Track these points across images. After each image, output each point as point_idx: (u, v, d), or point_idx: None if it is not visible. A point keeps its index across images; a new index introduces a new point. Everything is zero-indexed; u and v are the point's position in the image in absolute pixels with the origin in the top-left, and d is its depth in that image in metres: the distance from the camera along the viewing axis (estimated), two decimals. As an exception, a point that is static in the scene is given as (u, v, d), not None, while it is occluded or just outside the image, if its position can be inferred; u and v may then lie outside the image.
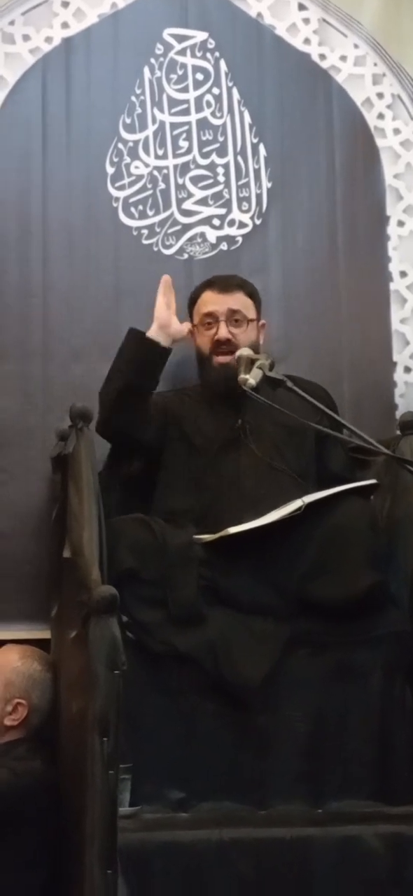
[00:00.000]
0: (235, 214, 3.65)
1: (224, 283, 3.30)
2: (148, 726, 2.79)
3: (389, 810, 2.81)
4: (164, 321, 3.23)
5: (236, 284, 3.30)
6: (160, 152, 3.62)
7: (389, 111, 3.78)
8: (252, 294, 3.31)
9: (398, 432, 3.31)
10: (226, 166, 3.66)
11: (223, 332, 3.21)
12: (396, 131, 3.77)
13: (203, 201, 3.64)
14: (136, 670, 2.72)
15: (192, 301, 3.33)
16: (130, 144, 3.61)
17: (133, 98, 3.63)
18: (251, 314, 3.27)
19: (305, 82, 3.75)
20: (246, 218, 3.65)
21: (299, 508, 2.89)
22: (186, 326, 3.29)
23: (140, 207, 3.59)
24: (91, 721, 2.53)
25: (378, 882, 2.67)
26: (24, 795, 2.79)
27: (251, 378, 3.05)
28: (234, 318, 3.24)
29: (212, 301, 3.27)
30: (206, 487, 3.08)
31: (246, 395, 2.91)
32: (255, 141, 3.68)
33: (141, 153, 3.61)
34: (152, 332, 3.21)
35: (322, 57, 3.75)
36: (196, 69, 3.68)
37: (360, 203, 3.74)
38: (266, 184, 3.68)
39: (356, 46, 3.77)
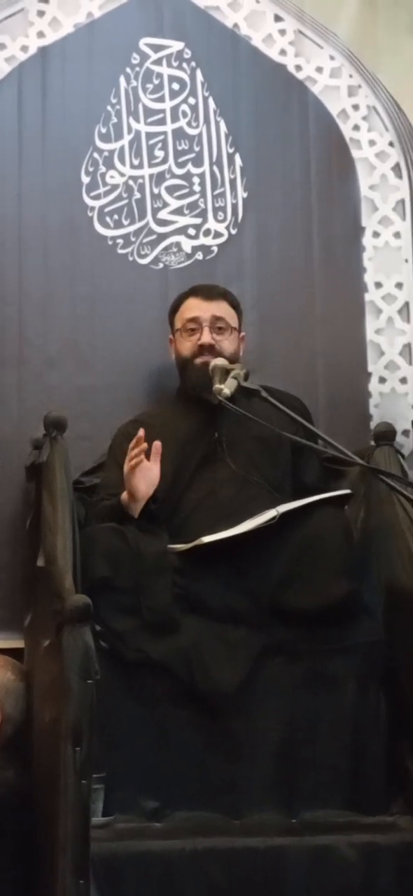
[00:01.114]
0: (211, 224, 3.65)
1: (208, 291, 3.31)
2: (121, 735, 2.78)
3: (363, 820, 2.81)
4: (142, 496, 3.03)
5: (220, 293, 3.32)
6: (136, 162, 3.63)
7: (365, 122, 3.80)
8: (235, 305, 3.33)
9: (372, 443, 3.31)
10: (201, 176, 3.67)
11: (207, 336, 3.22)
12: (372, 143, 3.79)
13: (179, 211, 3.64)
14: (109, 679, 2.71)
15: (175, 308, 3.33)
16: (106, 154, 3.61)
17: (109, 107, 3.63)
18: (234, 323, 3.28)
19: (281, 93, 3.76)
20: (221, 227, 3.66)
21: (273, 518, 2.89)
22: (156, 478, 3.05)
23: (115, 217, 3.59)
24: (64, 730, 2.52)
25: (351, 892, 2.68)
26: (-3, 805, 2.79)
27: (226, 388, 3.06)
28: (217, 325, 3.25)
29: (196, 307, 3.27)
30: (182, 503, 3.08)
31: (222, 408, 2.92)
32: (230, 151, 3.69)
33: (116, 163, 3.61)
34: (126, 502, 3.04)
35: (298, 68, 3.77)
36: (172, 79, 3.68)
37: (336, 214, 3.76)
38: (242, 194, 3.69)
39: (332, 58, 3.79)
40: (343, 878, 2.69)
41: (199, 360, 3.21)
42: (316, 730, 2.88)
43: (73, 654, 2.54)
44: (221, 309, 3.28)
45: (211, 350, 3.20)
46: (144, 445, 2.93)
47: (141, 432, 2.95)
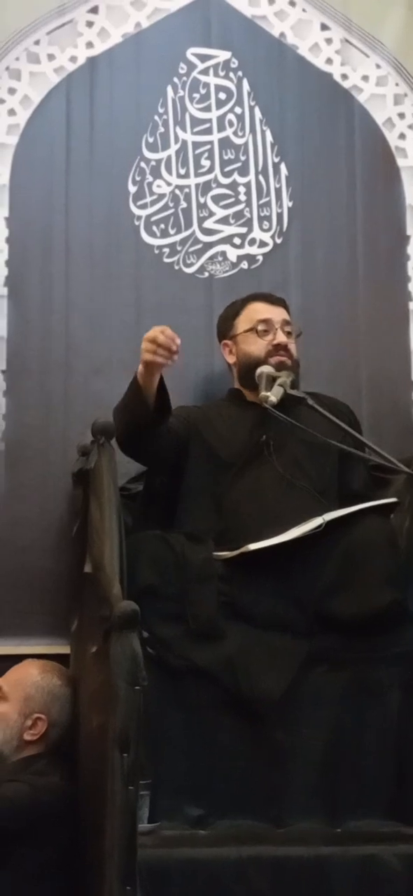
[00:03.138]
0: (256, 233, 3.67)
1: (272, 297, 3.35)
2: (167, 742, 2.79)
3: (407, 830, 2.79)
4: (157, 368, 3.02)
5: (281, 300, 3.36)
6: (182, 171, 3.65)
7: (411, 131, 3.80)
8: (289, 312, 3.36)
9: (417, 451, 3.32)
10: (247, 185, 3.68)
11: (282, 336, 3.25)
12: (417, 151, 3.79)
13: (224, 220, 3.66)
14: (155, 686, 2.72)
15: (234, 313, 3.34)
16: (153, 163, 3.64)
17: (156, 117, 3.65)
18: (296, 330, 3.29)
19: (327, 102, 3.77)
20: (267, 237, 3.67)
21: (319, 526, 2.89)
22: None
23: (162, 226, 3.61)
24: (111, 736, 2.53)
25: (397, 902, 2.67)
26: (43, 810, 2.79)
27: (272, 395, 3.08)
28: (286, 328, 3.27)
29: (265, 310, 3.30)
30: (227, 503, 3.09)
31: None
32: (276, 160, 3.70)
33: (163, 172, 3.64)
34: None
35: (344, 77, 3.78)
36: (219, 88, 3.70)
37: (381, 222, 3.76)
38: (287, 203, 3.70)
39: (378, 66, 3.80)
40: (388, 888, 2.67)
41: (274, 360, 3.22)
42: (360, 738, 2.87)
43: (120, 660, 2.54)
44: (285, 314, 3.31)
45: (286, 350, 3.23)
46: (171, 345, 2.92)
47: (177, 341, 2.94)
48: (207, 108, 3.69)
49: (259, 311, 3.31)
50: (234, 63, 3.71)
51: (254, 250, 3.66)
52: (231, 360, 3.33)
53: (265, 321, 3.28)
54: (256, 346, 3.27)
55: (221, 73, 3.71)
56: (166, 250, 3.61)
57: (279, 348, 3.24)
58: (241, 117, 3.70)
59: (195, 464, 3.18)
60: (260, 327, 3.27)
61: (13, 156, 3.56)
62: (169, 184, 3.63)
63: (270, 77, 3.74)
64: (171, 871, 2.62)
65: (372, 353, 3.69)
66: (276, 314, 3.30)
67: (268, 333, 3.26)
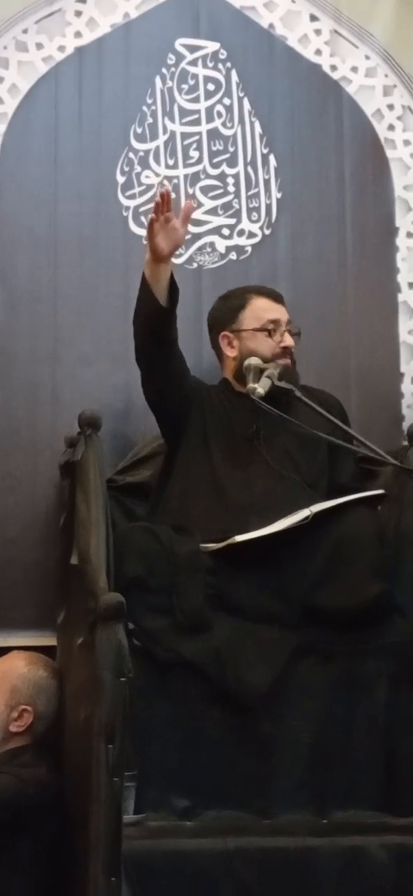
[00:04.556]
0: (245, 224, 3.66)
1: (275, 294, 3.31)
2: (153, 734, 2.78)
3: (395, 821, 2.80)
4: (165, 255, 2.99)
5: (282, 297, 3.32)
6: (171, 162, 3.64)
7: (400, 122, 3.79)
8: None
9: (405, 443, 3.31)
10: (236, 176, 3.67)
11: (289, 339, 3.23)
12: (407, 143, 3.79)
13: (213, 211, 3.65)
14: (141, 677, 2.72)
15: (238, 307, 3.28)
16: (141, 154, 3.63)
17: (144, 108, 3.64)
18: (295, 328, 3.29)
19: (316, 93, 3.77)
20: (255, 228, 3.67)
21: (307, 518, 2.88)
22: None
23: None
24: (97, 728, 2.53)
25: (383, 893, 2.68)
26: (29, 802, 2.79)
27: (259, 387, 3.07)
28: (289, 327, 3.26)
29: (272, 309, 3.27)
30: (214, 493, 3.08)
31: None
32: (265, 151, 3.70)
33: (152, 163, 3.63)
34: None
35: (333, 68, 3.77)
36: (207, 79, 3.69)
37: (370, 214, 3.76)
38: (276, 194, 3.69)
39: (367, 58, 3.79)
40: (374, 879, 2.69)
41: (282, 362, 3.19)
42: (348, 730, 2.87)
43: (106, 652, 2.55)
44: (286, 312, 3.29)
45: (291, 352, 3.22)
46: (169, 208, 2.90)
47: (167, 187, 2.92)
48: (196, 99, 3.68)
49: (266, 308, 3.27)
50: (223, 54, 3.71)
51: (242, 241, 3.66)
52: (231, 353, 3.26)
53: (274, 321, 3.25)
54: (265, 346, 3.22)
55: (210, 64, 3.70)
56: (155, 241, 3.60)
57: (286, 351, 3.22)
58: (229, 108, 3.69)
59: (189, 447, 3.17)
60: (268, 327, 3.23)
61: (1, 145, 3.55)
62: (157, 174, 3.62)
63: (259, 68, 3.73)
64: (157, 862, 2.63)
65: (361, 344, 3.69)
66: (282, 313, 3.27)
67: (273, 334, 3.24)
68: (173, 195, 2.95)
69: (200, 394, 3.24)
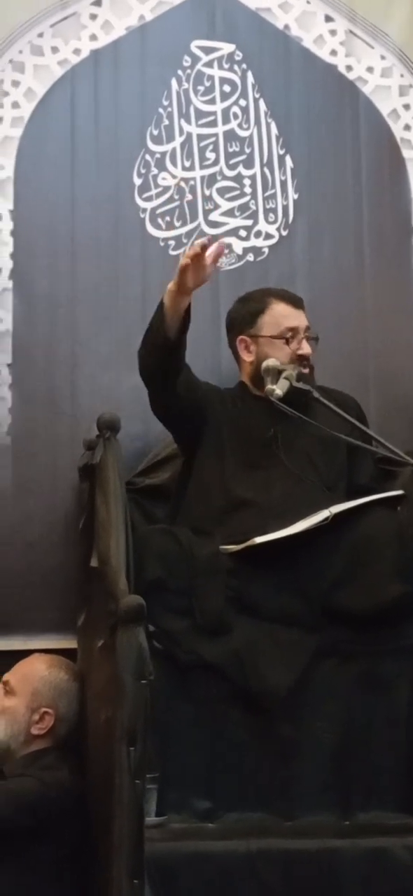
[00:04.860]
0: (262, 226, 3.66)
1: (295, 299, 3.28)
2: (175, 736, 2.79)
3: (417, 822, 2.80)
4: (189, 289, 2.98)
5: (302, 302, 3.29)
6: (187, 164, 3.64)
7: (416, 122, 3.79)
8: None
9: (425, 443, 3.31)
10: (252, 178, 3.67)
11: (307, 347, 3.21)
12: (423, 142, 3.78)
13: (230, 213, 3.65)
14: (162, 680, 2.72)
15: (257, 311, 3.26)
16: (158, 156, 3.63)
17: (160, 110, 3.65)
18: (314, 334, 3.27)
19: (332, 94, 3.76)
20: (272, 229, 3.67)
21: (326, 519, 2.88)
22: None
23: (167, 218, 3.61)
24: (119, 730, 2.53)
25: (406, 894, 2.66)
26: (51, 804, 2.79)
27: (278, 389, 3.07)
28: (307, 333, 3.24)
29: (291, 315, 3.24)
30: (235, 497, 3.08)
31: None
32: (281, 152, 3.70)
33: (168, 164, 3.63)
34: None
35: (349, 68, 3.77)
36: (223, 81, 3.69)
37: (387, 214, 3.75)
38: (292, 195, 3.69)
39: (383, 58, 3.78)
40: (398, 880, 2.67)
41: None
42: (369, 731, 2.87)
43: (127, 654, 2.55)
44: (305, 318, 3.26)
45: (308, 360, 3.20)
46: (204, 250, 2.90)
47: (203, 241, 2.92)
48: (212, 101, 3.68)
49: (286, 315, 3.24)
50: (239, 55, 3.71)
51: (259, 242, 3.66)
52: (248, 357, 3.25)
53: (292, 329, 3.22)
54: (282, 354, 3.19)
55: (226, 66, 3.70)
56: (172, 243, 3.61)
57: (303, 359, 3.21)
58: (245, 110, 3.69)
59: (212, 448, 3.17)
60: (287, 334, 3.21)
61: (17, 148, 3.56)
62: (174, 176, 3.62)
63: (275, 69, 3.73)
64: (179, 864, 2.62)
65: (379, 345, 3.68)
66: (301, 320, 3.24)
67: (291, 342, 3.23)
68: (205, 240, 2.93)
69: (214, 401, 3.23)
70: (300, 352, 3.20)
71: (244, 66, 3.71)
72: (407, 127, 3.78)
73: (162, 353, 3.02)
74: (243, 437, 3.18)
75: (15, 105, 3.58)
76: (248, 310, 3.27)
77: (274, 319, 3.24)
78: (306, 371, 3.17)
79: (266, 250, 3.66)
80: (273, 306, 3.26)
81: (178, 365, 3.07)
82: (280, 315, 3.25)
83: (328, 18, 3.77)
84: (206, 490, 3.12)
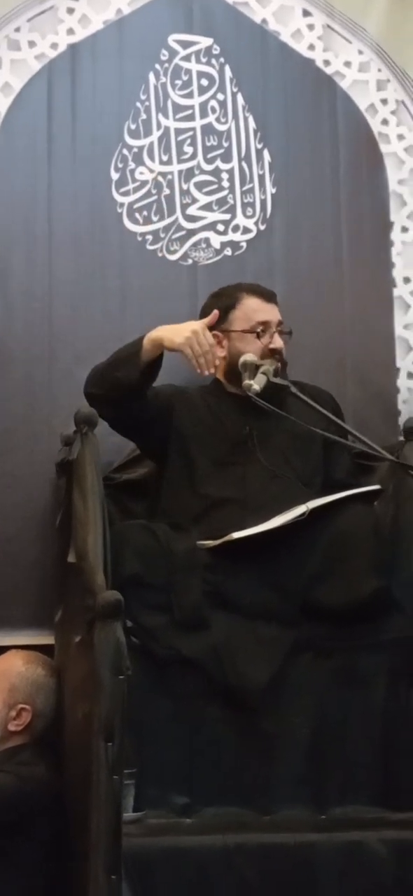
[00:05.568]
0: (240, 220, 3.66)
1: (268, 293, 3.28)
2: (152, 731, 2.79)
3: (393, 816, 2.80)
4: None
5: (274, 296, 3.30)
6: (165, 158, 3.64)
7: (393, 117, 3.79)
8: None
9: (401, 438, 3.31)
10: (230, 172, 3.67)
11: (279, 340, 3.21)
12: (400, 137, 3.78)
13: (207, 207, 3.65)
14: (140, 675, 2.72)
15: (228, 306, 3.25)
16: (135, 150, 3.63)
17: (138, 104, 3.64)
18: (287, 328, 3.27)
19: (310, 88, 3.76)
20: (250, 223, 3.66)
21: (303, 514, 2.88)
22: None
23: (145, 213, 3.60)
24: (96, 726, 2.53)
25: (382, 888, 2.69)
26: (28, 800, 2.80)
27: (255, 384, 3.06)
28: (279, 328, 3.24)
29: (262, 309, 3.24)
30: (211, 494, 3.08)
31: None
32: (259, 146, 3.69)
33: (146, 159, 3.62)
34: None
35: (326, 63, 3.77)
36: (201, 75, 3.69)
37: (365, 209, 3.76)
38: (270, 189, 3.69)
39: (360, 52, 3.79)
40: (373, 874, 2.70)
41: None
42: (346, 726, 2.87)
43: (104, 649, 2.55)
44: (278, 312, 3.27)
45: (280, 354, 3.20)
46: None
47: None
48: (190, 95, 3.68)
49: (257, 309, 3.24)
50: (216, 49, 3.70)
51: (237, 237, 3.66)
52: (220, 353, 3.22)
53: (263, 322, 3.22)
54: (253, 348, 3.19)
55: (203, 60, 3.69)
56: (149, 237, 3.60)
57: (275, 352, 3.20)
58: (223, 104, 3.69)
59: (178, 452, 3.17)
60: (258, 328, 3.21)
61: (-6, 143, 3.55)
62: (151, 170, 3.62)
63: (253, 63, 3.73)
64: (157, 859, 2.63)
65: (356, 339, 3.69)
66: (273, 314, 3.24)
67: (263, 336, 3.23)
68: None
69: (176, 403, 3.21)
70: (272, 346, 3.20)
71: (222, 60, 3.70)
72: (384, 121, 3.78)
73: (124, 393, 3.05)
74: (217, 434, 3.17)
75: (-8, 100, 3.57)
76: (220, 305, 3.25)
77: (244, 314, 3.24)
78: (278, 365, 3.16)
79: (244, 244, 3.66)
80: (244, 301, 3.26)
81: (144, 401, 3.11)
82: (250, 309, 3.25)
83: (306, 13, 3.77)
84: (179, 494, 3.12)
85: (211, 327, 3.12)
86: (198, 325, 3.08)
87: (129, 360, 3.05)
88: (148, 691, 2.78)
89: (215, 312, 3.15)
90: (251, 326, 3.22)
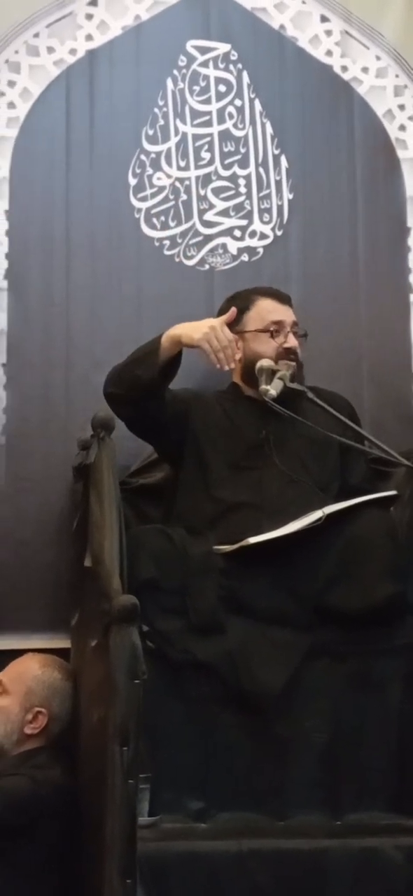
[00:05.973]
0: (257, 226, 3.66)
1: (282, 295, 3.30)
2: (167, 735, 2.79)
3: (409, 822, 2.79)
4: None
5: (288, 298, 3.31)
6: (182, 164, 3.65)
7: (411, 123, 3.80)
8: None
9: (418, 443, 3.31)
10: (247, 178, 3.68)
11: (293, 340, 3.22)
12: (418, 143, 3.78)
13: (224, 212, 3.66)
14: (155, 679, 2.72)
15: (242, 309, 3.26)
16: (153, 156, 3.64)
17: (156, 109, 3.65)
18: (302, 330, 3.28)
19: (327, 94, 3.77)
20: (267, 229, 3.67)
21: (319, 519, 2.88)
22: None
23: (162, 218, 3.61)
24: (111, 730, 2.53)
25: (397, 894, 2.67)
26: (42, 803, 2.80)
27: (272, 389, 3.07)
28: (294, 329, 3.25)
29: (276, 310, 3.26)
30: (227, 498, 3.09)
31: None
32: (276, 152, 3.70)
33: (163, 164, 3.63)
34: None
35: (344, 69, 3.77)
36: (218, 81, 3.70)
37: (381, 214, 3.76)
38: (287, 195, 3.69)
39: (378, 58, 3.79)
40: (388, 880, 2.69)
41: (283, 363, 3.18)
42: (361, 731, 2.87)
43: (120, 654, 2.55)
44: (293, 313, 3.28)
45: (295, 354, 3.21)
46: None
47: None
48: (207, 101, 3.69)
49: (271, 310, 3.26)
50: (234, 55, 3.71)
51: (254, 242, 3.66)
52: (237, 356, 3.25)
53: (277, 322, 3.24)
54: (268, 347, 3.21)
55: (221, 66, 3.70)
56: (167, 243, 3.61)
57: (289, 352, 3.21)
58: (240, 109, 3.70)
59: (194, 456, 3.17)
60: (271, 328, 3.22)
61: (13, 148, 3.57)
62: (169, 176, 3.63)
63: (270, 69, 3.74)
64: (172, 864, 2.63)
65: (373, 344, 3.68)
66: (287, 314, 3.26)
67: (279, 335, 3.24)
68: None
69: (193, 407, 3.22)
70: (286, 345, 3.21)
71: (240, 65, 3.71)
72: (402, 127, 3.78)
73: (143, 392, 3.06)
74: (233, 438, 3.18)
75: (11, 105, 3.59)
76: (235, 307, 3.26)
77: (258, 314, 3.26)
78: (293, 363, 3.17)
79: (261, 250, 3.66)
80: (258, 302, 3.28)
81: (162, 401, 3.10)
82: (264, 310, 3.26)
83: (324, 19, 3.78)
84: (194, 497, 3.12)
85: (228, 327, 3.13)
86: (216, 321, 3.09)
87: (147, 358, 3.06)
88: (163, 695, 2.78)
89: (233, 310, 3.17)
90: (265, 326, 3.23)
